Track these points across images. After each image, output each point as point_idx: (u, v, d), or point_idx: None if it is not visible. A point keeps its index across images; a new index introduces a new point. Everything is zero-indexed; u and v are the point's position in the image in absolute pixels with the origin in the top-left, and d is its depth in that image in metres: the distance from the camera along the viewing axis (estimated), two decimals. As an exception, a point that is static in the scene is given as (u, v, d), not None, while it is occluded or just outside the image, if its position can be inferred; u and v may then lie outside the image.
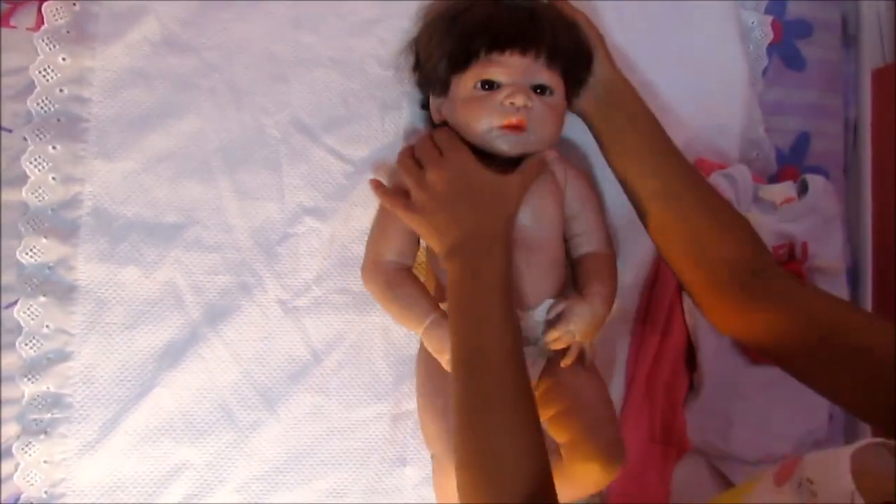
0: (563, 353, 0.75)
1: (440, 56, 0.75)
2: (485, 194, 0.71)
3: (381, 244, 0.77)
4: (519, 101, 0.71)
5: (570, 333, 0.73)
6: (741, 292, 0.69)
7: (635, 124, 0.77)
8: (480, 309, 0.67)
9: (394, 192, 0.76)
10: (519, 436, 0.62)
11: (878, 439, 0.49)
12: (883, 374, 0.57)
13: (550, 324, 0.74)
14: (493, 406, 0.63)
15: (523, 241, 0.75)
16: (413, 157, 0.75)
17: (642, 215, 0.76)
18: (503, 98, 0.71)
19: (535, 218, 0.76)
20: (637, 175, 0.76)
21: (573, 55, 0.76)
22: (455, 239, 0.70)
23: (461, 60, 0.73)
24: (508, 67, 0.72)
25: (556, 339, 0.73)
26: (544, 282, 0.76)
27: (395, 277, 0.76)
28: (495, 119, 0.72)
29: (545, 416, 0.75)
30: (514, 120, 0.71)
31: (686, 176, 0.75)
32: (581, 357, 0.75)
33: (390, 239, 0.76)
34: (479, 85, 0.73)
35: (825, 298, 0.67)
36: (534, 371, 0.75)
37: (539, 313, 0.75)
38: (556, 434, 0.74)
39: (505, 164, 0.75)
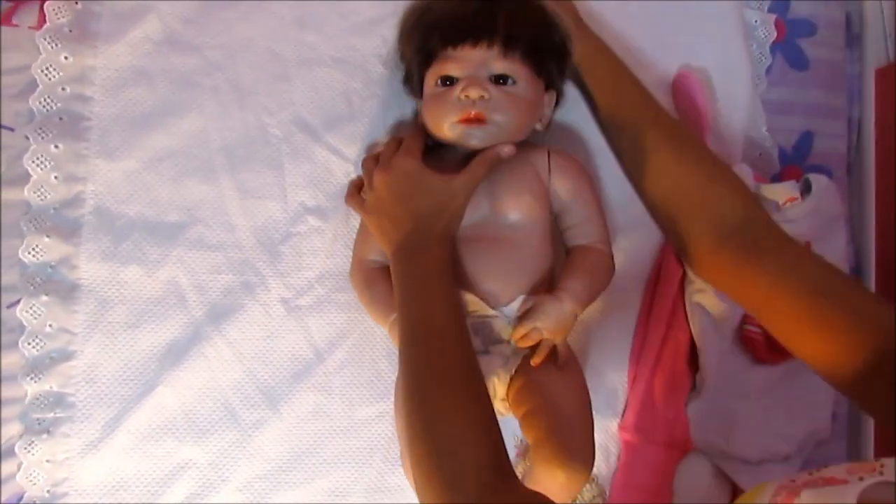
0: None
1: (411, 57, 0.76)
2: (425, 196, 0.71)
3: (365, 244, 0.78)
4: (473, 93, 0.70)
5: (538, 331, 0.72)
6: (733, 252, 0.71)
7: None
8: (421, 302, 0.68)
9: (355, 192, 0.78)
10: (467, 412, 0.63)
11: (887, 479, 0.48)
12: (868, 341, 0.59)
13: (520, 320, 0.73)
14: (438, 389, 0.64)
15: (496, 236, 0.74)
16: (376, 158, 0.76)
17: (631, 174, 0.80)
18: (458, 92, 0.71)
19: (509, 212, 0.75)
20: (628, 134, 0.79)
21: (534, 41, 0.74)
22: (395, 241, 0.71)
23: (423, 59, 0.73)
24: (462, 61, 0.72)
25: (523, 336, 0.72)
26: (517, 278, 0.74)
27: (372, 276, 0.76)
28: (454, 114, 0.71)
29: (519, 414, 0.74)
30: (471, 113, 0.71)
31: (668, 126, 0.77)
32: (553, 356, 0.73)
33: (373, 239, 0.76)
34: (438, 82, 0.73)
35: (813, 260, 0.69)
36: (507, 369, 0.74)
37: (511, 310, 0.74)
38: (526, 433, 0.72)
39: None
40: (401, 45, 0.79)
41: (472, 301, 0.73)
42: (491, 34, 0.71)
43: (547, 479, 0.68)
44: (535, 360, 0.72)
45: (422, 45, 0.74)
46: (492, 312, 0.73)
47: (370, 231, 0.76)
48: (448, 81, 0.72)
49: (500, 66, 0.72)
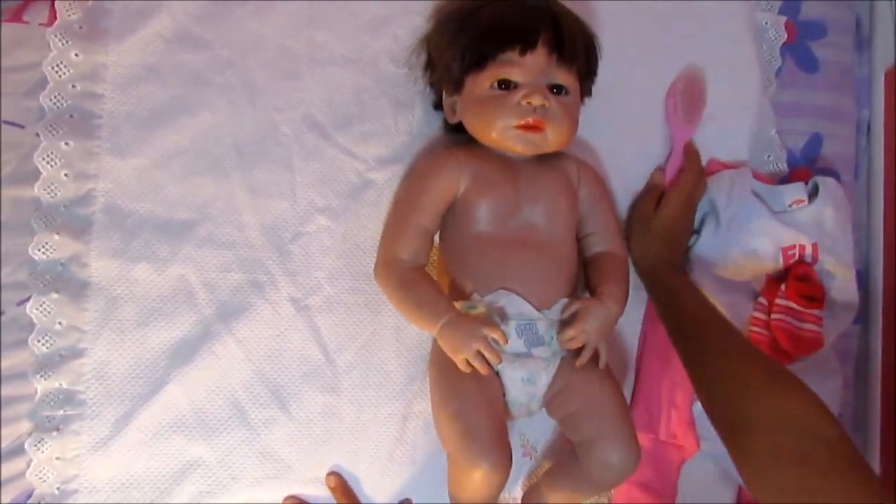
0: (577, 353, 0.75)
1: (453, 55, 0.75)
2: None
3: (396, 243, 0.76)
4: (536, 101, 0.71)
5: (585, 333, 0.73)
6: None
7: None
8: None
9: None
10: None
11: None
12: None
13: (565, 324, 0.74)
14: None
15: (537, 240, 0.75)
16: None
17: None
18: (520, 98, 0.71)
19: (548, 217, 0.76)
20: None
21: (587, 54, 0.77)
22: None
23: (476, 60, 0.73)
24: (525, 67, 0.72)
25: (572, 338, 0.73)
26: (558, 282, 0.76)
27: (410, 277, 0.75)
28: (512, 119, 0.72)
29: (559, 416, 0.76)
30: (531, 120, 0.72)
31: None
32: (595, 357, 0.75)
33: (405, 238, 0.76)
34: (495, 85, 0.73)
35: None
36: (548, 372, 0.75)
37: (553, 313, 0.75)
38: (571, 434, 0.75)
39: (513, 165, 0.75)
40: (438, 44, 0.78)
41: (518, 303, 0.73)
42: (555, 44, 0.72)
43: (598, 475, 0.73)
44: (581, 361, 0.74)
45: (477, 46, 0.73)
46: (537, 315, 0.74)
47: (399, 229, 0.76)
48: (504, 85, 0.72)
49: (560, 76, 0.73)
